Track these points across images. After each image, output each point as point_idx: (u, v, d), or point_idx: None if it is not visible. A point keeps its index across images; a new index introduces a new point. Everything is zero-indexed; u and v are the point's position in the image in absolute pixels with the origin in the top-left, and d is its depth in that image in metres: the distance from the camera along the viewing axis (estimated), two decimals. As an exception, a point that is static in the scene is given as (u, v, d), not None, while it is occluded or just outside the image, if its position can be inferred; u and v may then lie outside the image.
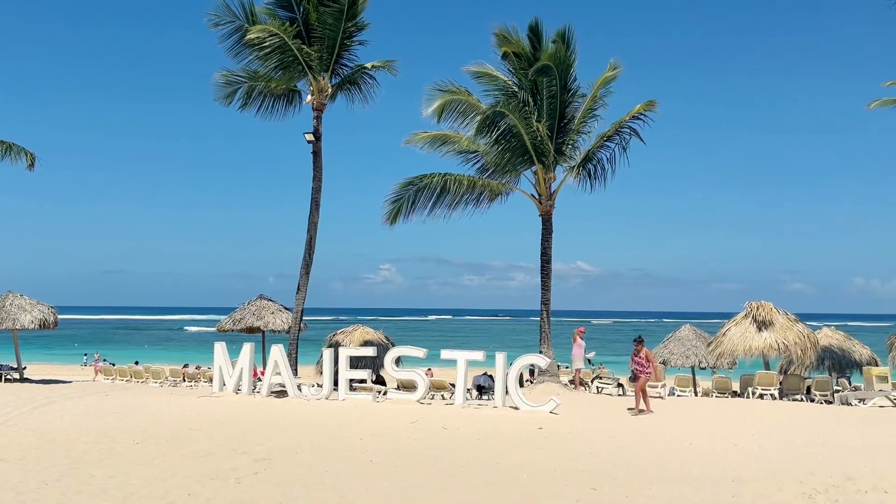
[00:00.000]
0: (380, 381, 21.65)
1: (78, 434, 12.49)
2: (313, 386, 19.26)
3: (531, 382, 21.66)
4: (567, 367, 28.27)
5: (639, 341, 16.30)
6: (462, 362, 16.77)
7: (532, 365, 19.72)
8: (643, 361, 15.95)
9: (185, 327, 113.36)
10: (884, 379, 20.04)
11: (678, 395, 22.26)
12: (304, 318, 23.39)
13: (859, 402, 18.72)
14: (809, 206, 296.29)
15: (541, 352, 20.38)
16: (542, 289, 21.17)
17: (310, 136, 22.70)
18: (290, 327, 23.48)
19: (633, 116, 19.88)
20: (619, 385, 22.41)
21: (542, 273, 21.20)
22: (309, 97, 22.90)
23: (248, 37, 20.97)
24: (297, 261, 22.99)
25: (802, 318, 23.46)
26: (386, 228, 21.87)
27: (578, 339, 21.15)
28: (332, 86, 22.90)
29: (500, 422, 14.40)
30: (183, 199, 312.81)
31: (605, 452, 11.23)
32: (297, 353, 22.33)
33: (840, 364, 24.39)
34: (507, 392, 16.32)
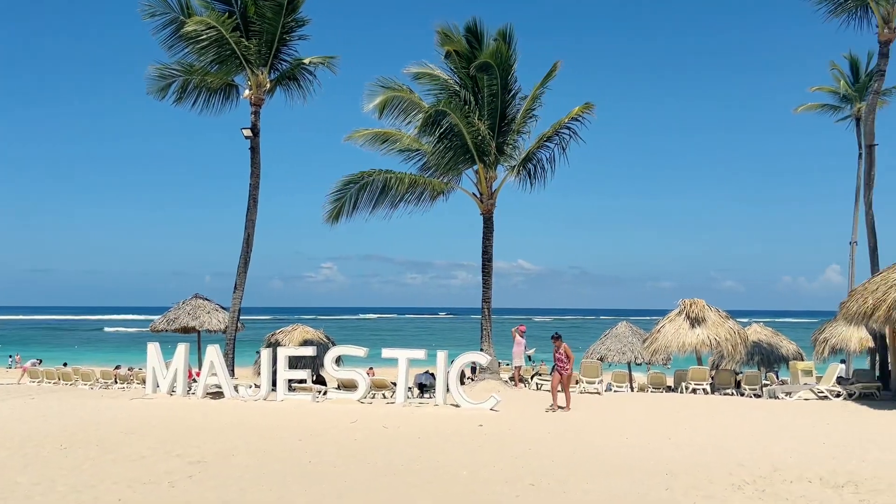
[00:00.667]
0: (320, 380, 21.40)
1: (1, 439, 11.94)
2: (251, 387, 18.89)
3: (472, 380, 21.77)
4: (508, 365, 28.56)
5: (556, 338, 16.39)
6: (403, 361, 16.73)
7: (473, 363, 19.83)
8: (563, 358, 15.98)
9: (118, 328, 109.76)
10: (808, 373, 20.88)
11: (615, 391, 22.69)
12: (241, 317, 22.92)
13: (786, 395, 19.45)
14: (740, 206, 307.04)
15: (482, 349, 20.52)
16: (484, 287, 21.30)
17: (247, 132, 22.25)
18: (226, 327, 22.99)
19: (572, 118, 20.18)
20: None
21: (483, 271, 21.33)
22: (247, 92, 22.45)
23: (184, 29, 20.42)
24: (235, 259, 22.56)
25: (733, 314, 24.28)
26: (327, 226, 21.66)
27: (518, 337, 21.35)
28: (271, 81, 22.51)
29: (441, 420, 14.42)
30: (114, 196, 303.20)
31: (544, 448, 11.36)
32: (234, 353, 21.89)
33: (768, 359, 25.35)
34: (448, 390, 16.36)
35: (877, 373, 21.63)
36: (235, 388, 17.84)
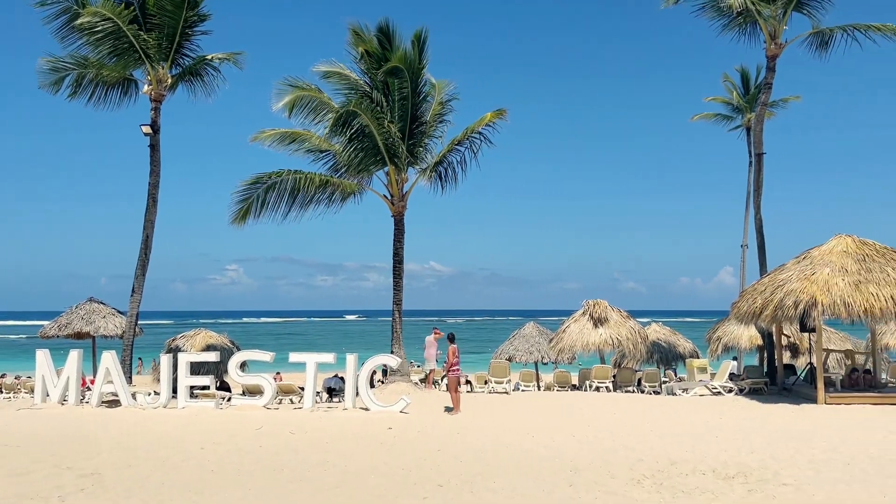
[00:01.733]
0: (224, 387, 20.75)
1: None
2: (150, 394, 18.11)
3: (383, 383, 21.65)
4: (419, 367, 28.60)
5: (448, 338, 16.50)
6: (311, 365, 16.47)
7: (384, 365, 19.74)
8: (453, 359, 15.95)
9: (5, 334, 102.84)
10: (703, 370, 21.93)
11: (522, 390, 23.12)
12: (139, 321, 21.96)
13: (683, 391, 20.37)
14: (642, 209, 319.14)
15: (392, 352, 20.44)
16: (395, 289, 21.24)
17: (147, 129, 21.37)
18: (123, 332, 21.97)
19: (485, 124, 20.40)
20: (468, 382, 22.94)
21: (394, 273, 21.26)
22: (146, 87, 21.57)
23: (78, 20, 19.39)
24: (133, 261, 21.60)
25: (634, 314, 25.24)
26: (232, 227, 21.00)
27: (432, 340, 21.47)
28: (172, 76, 21.70)
29: (350, 423, 14.27)
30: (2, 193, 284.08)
31: (453, 449, 11.43)
32: (131, 359, 20.96)
33: (667, 357, 26.47)
34: (357, 394, 16.21)
35: (765, 369, 22.96)
36: (133, 395, 17.06)
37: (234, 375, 16.97)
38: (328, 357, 16.75)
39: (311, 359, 16.57)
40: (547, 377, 25.95)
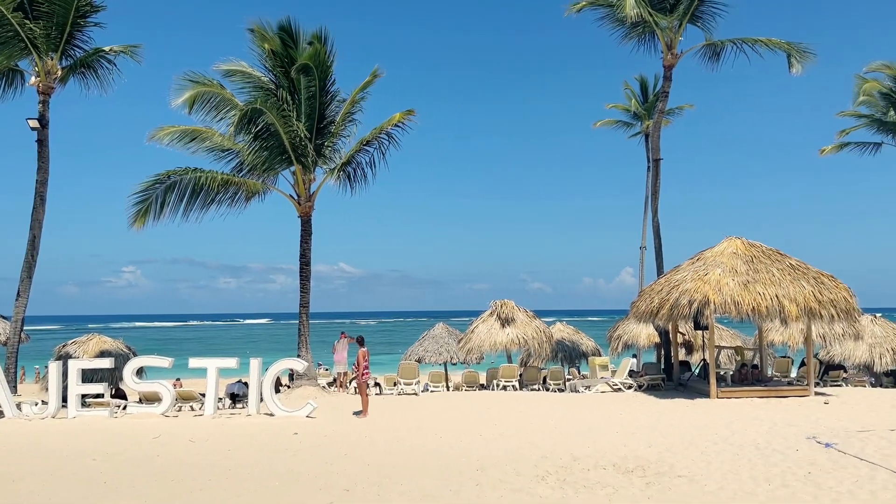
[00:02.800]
0: (120, 395, 19.79)
1: None
2: (37, 404, 17.00)
3: (289, 387, 21.21)
4: (327, 370, 28.23)
5: (358, 341, 16.33)
6: (213, 370, 15.92)
7: (290, 369, 19.35)
8: (363, 362, 15.78)
9: None
10: (605, 367, 22.66)
11: (431, 391, 23.20)
12: (25, 327, 20.62)
13: (585, 388, 20.96)
14: (548, 210, 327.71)
15: (299, 356, 20.06)
16: (301, 291, 20.85)
17: (34, 123, 20.10)
18: (7, 338, 20.57)
19: (394, 124, 20.34)
20: (377, 384, 22.81)
21: (300, 275, 20.87)
22: (34, 79, 20.31)
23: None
24: (18, 263, 20.27)
25: (540, 314, 25.80)
26: (129, 228, 20.04)
27: (343, 342, 21.26)
28: (63, 68, 20.51)
29: (254, 430, 13.89)
30: None
31: (360, 452, 11.31)
32: (16, 367, 19.65)
33: (571, 355, 27.22)
34: (262, 399, 15.79)
35: (662, 365, 23.96)
36: (18, 405, 15.97)
37: (129, 382, 16.17)
38: (230, 362, 16.25)
39: (212, 364, 16.02)
40: (456, 377, 26.14)
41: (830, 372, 23.53)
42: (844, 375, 23.60)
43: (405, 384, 21.66)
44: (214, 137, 20.44)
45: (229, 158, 20.97)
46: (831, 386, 22.03)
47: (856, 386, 22.57)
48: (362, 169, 20.78)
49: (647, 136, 35.21)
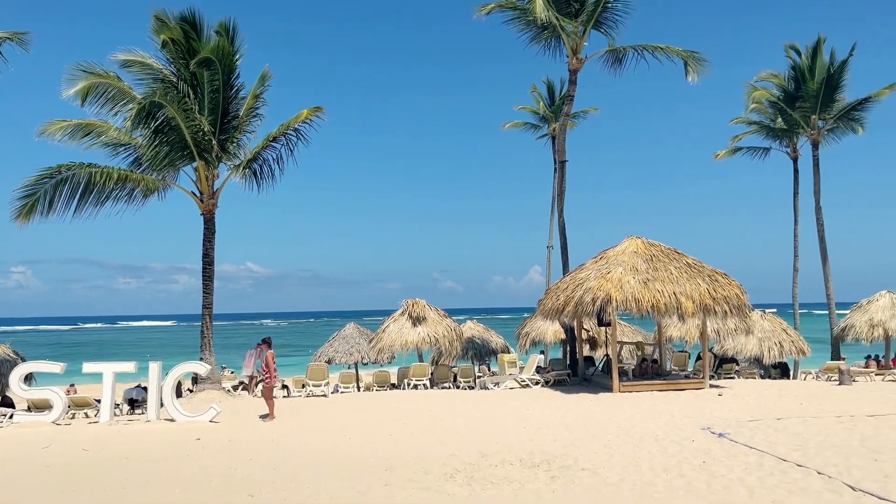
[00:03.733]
0: (7, 403, 18.56)
1: None
2: None
3: (192, 391, 20.49)
4: (232, 373, 27.46)
5: (265, 343, 15.80)
6: (109, 375, 15.18)
7: (193, 373, 18.66)
8: (272, 364, 15.33)
9: None
10: (513, 364, 23.06)
11: (342, 392, 22.96)
12: None
13: (495, 385, 21.26)
14: (460, 209, 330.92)
15: (202, 358, 19.41)
16: (204, 292, 20.17)
17: None
18: None
19: (302, 121, 19.97)
20: (285, 387, 22.36)
21: (203, 275, 20.19)
22: None
23: None
24: None
25: (452, 312, 25.98)
26: (17, 226, 18.78)
27: (258, 352, 20.77)
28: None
29: (153, 436, 13.32)
30: None
31: (265, 456, 11.04)
32: None
33: (481, 353, 27.53)
34: (162, 404, 15.17)
35: (568, 361, 24.60)
36: None
37: (16, 390, 15.17)
38: (128, 366, 15.53)
39: (108, 368, 15.27)
40: (367, 378, 25.97)
41: (724, 365, 24.80)
42: (737, 368, 24.92)
43: (314, 386, 21.33)
44: (111, 132, 19.46)
45: (127, 153, 20.04)
46: (725, 378, 23.22)
47: (747, 378, 23.88)
48: (269, 166, 20.34)
49: (553, 138, 36.06)
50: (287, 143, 19.98)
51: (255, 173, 20.37)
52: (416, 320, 23.83)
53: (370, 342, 24.75)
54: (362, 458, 10.73)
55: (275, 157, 20.18)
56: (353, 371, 25.61)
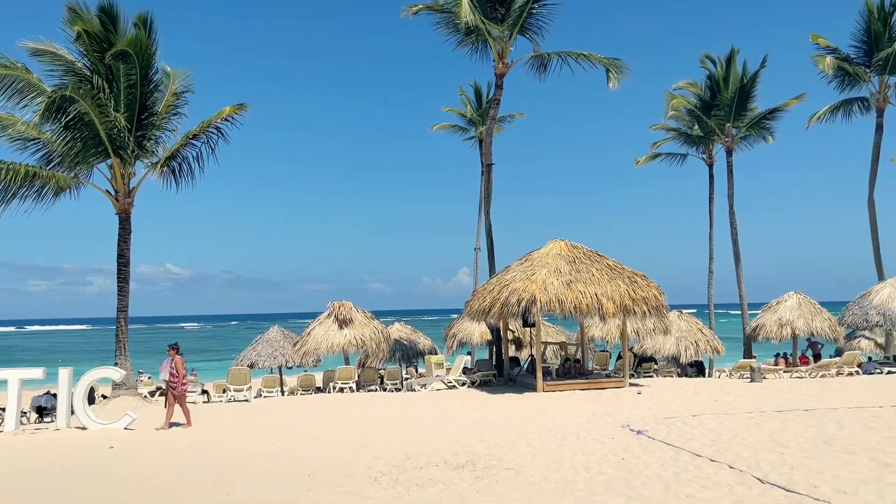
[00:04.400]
0: None
1: None
2: None
3: (105, 398, 19.66)
4: (149, 378, 26.51)
5: (172, 348, 15.16)
6: (14, 381, 14.40)
7: (108, 379, 17.90)
8: (174, 372, 14.63)
9: None
10: (440, 365, 23.11)
11: (265, 396, 22.50)
12: None
13: (422, 387, 21.26)
14: (388, 210, 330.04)
15: (117, 364, 18.65)
16: (119, 294, 19.40)
17: None
18: None
19: (223, 118, 19.46)
20: (205, 392, 21.74)
21: (118, 277, 19.41)
22: None
23: None
24: None
25: (380, 314, 25.84)
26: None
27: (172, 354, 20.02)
28: None
29: (63, 446, 12.70)
30: None
31: (185, 463, 10.69)
32: None
33: (408, 355, 27.48)
34: (73, 411, 14.49)
35: (494, 362, 24.85)
36: None
37: None
38: (35, 372, 14.77)
39: (14, 375, 14.48)
40: (291, 381, 25.52)
41: (643, 364, 25.56)
42: (655, 367, 25.73)
43: (236, 391, 20.83)
44: (18, 125, 18.46)
45: (36, 149, 19.05)
46: (644, 377, 23.94)
47: (665, 376, 24.68)
48: (189, 164, 19.72)
49: (480, 141, 36.39)
50: (208, 140, 19.43)
51: (173, 172, 19.71)
52: (343, 322, 23.58)
53: (295, 345, 24.34)
54: (285, 463, 10.53)
55: (195, 155, 19.60)
56: (277, 375, 25.14)
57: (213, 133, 19.29)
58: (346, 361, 25.38)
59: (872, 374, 22.42)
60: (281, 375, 25.55)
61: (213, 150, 19.55)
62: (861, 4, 30.17)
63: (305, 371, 25.16)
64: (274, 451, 11.56)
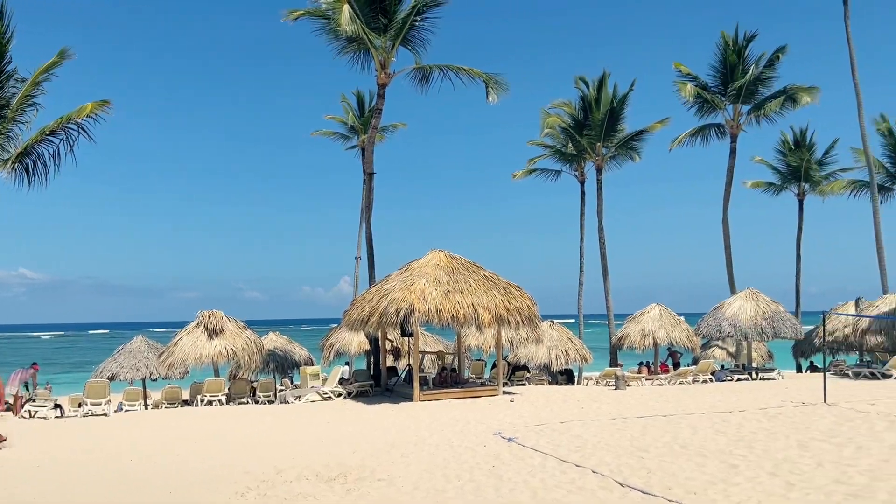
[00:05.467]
0: None
1: None
2: None
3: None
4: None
5: None
6: None
7: None
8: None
9: None
10: (316, 376, 22.66)
11: (126, 410, 21.20)
12: None
13: (296, 399, 20.75)
14: (268, 216, 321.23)
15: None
16: (-40, 301, 17.68)
17: None
18: None
19: (86, 114, 18.22)
20: (57, 406, 20.18)
21: (-41, 282, 17.69)
22: None
23: None
24: None
25: (256, 324, 25.03)
26: None
27: (27, 374, 18.55)
28: None
29: None
30: None
31: (29, 483, 9.83)
32: None
33: (283, 365, 26.77)
34: None
35: (371, 372, 24.67)
36: None
37: None
38: None
39: None
40: (156, 394, 24.19)
41: (517, 372, 26.21)
42: (528, 375, 26.45)
43: (93, 404, 19.48)
44: None
45: None
46: (517, 385, 24.55)
47: (537, 384, 25.42)
48: (44, 161, 18.30)
49: (363, 149, 36.22)
50: (67, 137, 18.13)
51: (26, 169, 18.24)
52: (213, 332, 22.64)
53: (160, 356, 23.12)
54: (145, 479, 9.94)
55: (51, 152, 18.22)
56: (140, 388, 23.76)
57: (72, 129, 18.03)
58: (216, 373, 24.37)
59: (724, 381, 24.13)
60: (144, 388, 24.18)
61: (71, 147, 18.25)
62: (718, 36, 32.62)
63: (170, 383, 23.94)
64: (132, 468, 10.88)
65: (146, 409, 22.50)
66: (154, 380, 24.59)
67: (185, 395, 22.53)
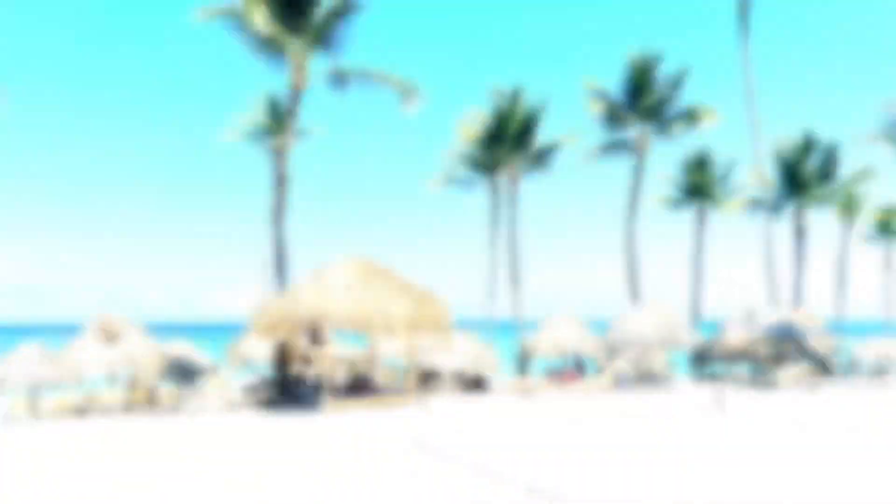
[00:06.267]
0: None
1: None
2: None
3: None
4: None
5: None
6: None
7: None
8: None
9: None
10: (221, 385, 21.88)
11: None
12: None
13: (197, 410, 19.96)
14: (178, 218, 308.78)
15: None
16: None
17: None
18: None
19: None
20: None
21: None
22: None
23: None
24: None
25: (159, 329, 23.84)
26: None
27: None
28: None
29: None
30: None
31: None
32: None
33: (186, 374, 25.68)
34: None
35: (280, 380, 24.00)
36: None
37: None
38: None
39: None
40: (46, 405, 22.72)
41: (429, 380, 26.15)
42: (441, 382, 26.42)
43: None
44: None
45: None
46: (429, 393, 24.48)
47: (451, 391, 25.43)
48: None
49: (276, 153, 35.51)
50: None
51: None
52: (110, 338, 21.51)
53: (52, 363, 21.75)
54: None
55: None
56: (28, 398, 22.26)
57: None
58: (112, 382, 23.15)
59: (625, 389, 24.94)
60: (32, 399, 22.68)
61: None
62: (628, 56, 33.92)
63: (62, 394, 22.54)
64: None
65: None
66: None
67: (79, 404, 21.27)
